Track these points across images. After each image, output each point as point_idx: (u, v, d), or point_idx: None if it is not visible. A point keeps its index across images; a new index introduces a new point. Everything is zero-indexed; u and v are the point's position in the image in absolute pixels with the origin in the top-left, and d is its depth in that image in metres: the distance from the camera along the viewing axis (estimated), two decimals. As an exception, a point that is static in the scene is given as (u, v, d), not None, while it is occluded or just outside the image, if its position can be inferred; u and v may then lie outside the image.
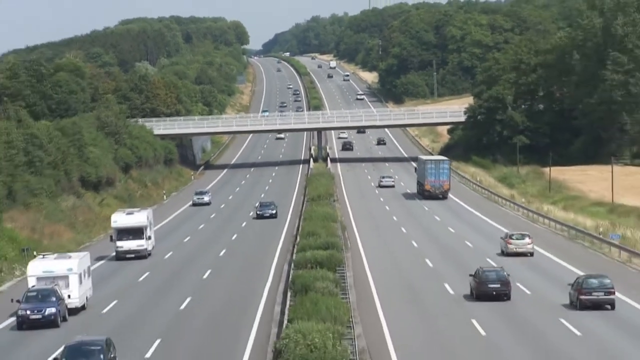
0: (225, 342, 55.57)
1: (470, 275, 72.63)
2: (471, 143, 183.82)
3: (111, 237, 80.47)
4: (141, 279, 76.66)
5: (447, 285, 74.17)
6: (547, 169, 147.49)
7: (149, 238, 79.07)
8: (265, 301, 67.16)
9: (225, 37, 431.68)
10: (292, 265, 71.23)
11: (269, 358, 48.75)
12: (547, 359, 52.50)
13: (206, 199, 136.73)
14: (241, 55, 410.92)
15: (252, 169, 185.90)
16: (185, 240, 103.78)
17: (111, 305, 62.76)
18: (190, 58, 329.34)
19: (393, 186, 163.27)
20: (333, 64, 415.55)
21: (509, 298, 69.83)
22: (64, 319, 54.26)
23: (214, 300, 68.52)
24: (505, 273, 72.11)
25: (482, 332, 58.47)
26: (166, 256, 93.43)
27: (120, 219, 77.72)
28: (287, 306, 57.59)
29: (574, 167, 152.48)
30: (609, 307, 64.82)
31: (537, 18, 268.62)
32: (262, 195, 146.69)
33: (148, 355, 52.07)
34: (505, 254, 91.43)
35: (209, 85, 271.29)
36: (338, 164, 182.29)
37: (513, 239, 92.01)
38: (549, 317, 64.29)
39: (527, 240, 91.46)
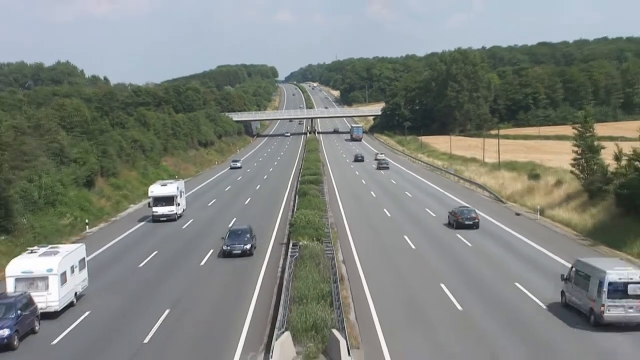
0: (266, 219, 55.20)
1: (355, 155, 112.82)
2: (384, 125, 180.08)
3: (149, 203, 55.35)
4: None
5: (363, 181, 74.59)
6: (420, 137, 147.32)
7: (178, 205, 55.16)
8: (285, 200, 66.35)
9: (267, 74, 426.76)
10: (299, 182, 70.47)
11: (287, 226, 48.12)
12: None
13: (239, 164, 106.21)
14: (274, 82, 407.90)
15: (279, 137, 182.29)
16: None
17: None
18: (250, 84, 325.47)
19: (335, 132, 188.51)
20: (314, 84, 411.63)
21: (363, 161, 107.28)
22: (32, 332, 27.43)
23: (261, 201, 67.29)
24: (363, 155, 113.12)
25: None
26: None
27: (156, 189, 54.38)
28: (296, 203, 57.07)
29: (432, 136, 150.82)
30: (385, 170, 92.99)
31: (415, 66, 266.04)
32: (282, 153, 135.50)
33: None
34: (375, 159, 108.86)
35: (259, 97, 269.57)
36: (321, 135, 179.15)
37: (378, 156, 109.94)
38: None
39: (384, 156, 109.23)
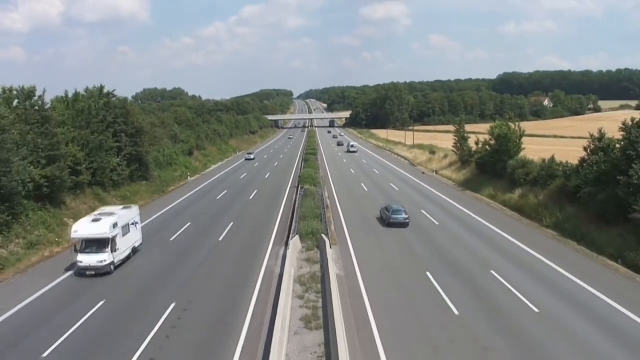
0: (284, 175, 53.12)
1: (328, 131, 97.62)
2: (351, 123, 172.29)
3: (75, 247, 15.62)
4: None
5: (339, 155, 70.90)
6: (372, 130, 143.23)
7: (117, 249, 16.06)
8: (296, 166, 62.91)
9: (287, 94, 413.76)
10: (304, 154, 67.70)
11: (296, 179, 45.81)
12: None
13: (252, 156, 69.65)
14: (291, 99, 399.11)
15: (292, 129, 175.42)
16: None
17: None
18: (277, 99, 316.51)
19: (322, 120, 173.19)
20: (313, 100, 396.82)
21: (331, 133, 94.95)
22: None
23: (281, 164, 64.74)
24: (331, 131, 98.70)
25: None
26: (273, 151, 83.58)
27: (81, 228, 15.51)
28: (302, 166, 54.64)
29: (377, 130, 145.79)
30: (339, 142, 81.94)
31: (368, 91, 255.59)
32: (294, 139, 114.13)
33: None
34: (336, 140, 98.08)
35: (282, 106, 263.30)
36: (316, 128, 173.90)
37: (339, 136, 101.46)
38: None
39: (344, 135, 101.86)
